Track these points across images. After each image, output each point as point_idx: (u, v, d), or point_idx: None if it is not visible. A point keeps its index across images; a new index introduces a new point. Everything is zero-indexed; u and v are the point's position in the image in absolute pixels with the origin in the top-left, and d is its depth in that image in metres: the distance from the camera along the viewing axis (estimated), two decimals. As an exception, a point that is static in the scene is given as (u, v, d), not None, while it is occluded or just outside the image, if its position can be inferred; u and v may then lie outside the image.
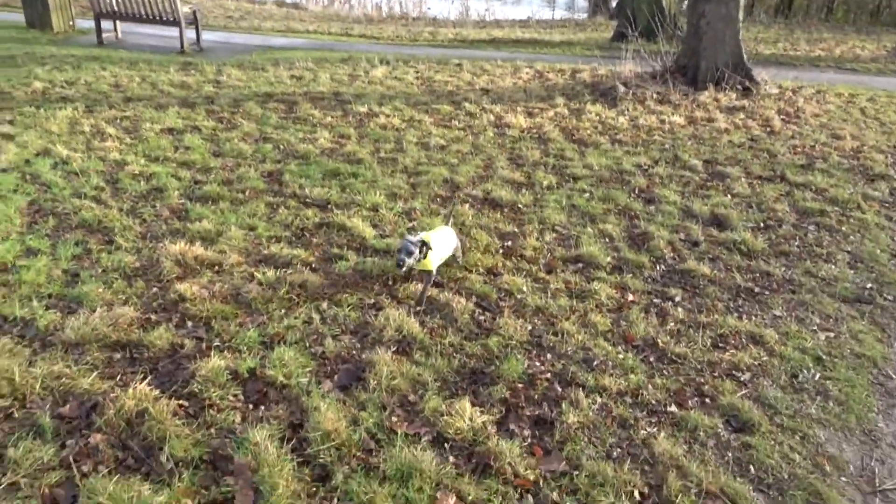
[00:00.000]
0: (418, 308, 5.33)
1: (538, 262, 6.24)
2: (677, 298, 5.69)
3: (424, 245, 5.18)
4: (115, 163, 8.34)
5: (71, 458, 3.55)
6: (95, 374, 4.26)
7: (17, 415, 3.90)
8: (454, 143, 9.90)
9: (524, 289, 5.72)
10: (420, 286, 5.53)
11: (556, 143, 9.97)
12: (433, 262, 5.36)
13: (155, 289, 5.41)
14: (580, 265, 6.23)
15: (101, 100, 11.33)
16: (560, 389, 4.43)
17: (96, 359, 4.43)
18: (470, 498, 3.48)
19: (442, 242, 5.51)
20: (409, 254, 5.07)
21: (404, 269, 5.17)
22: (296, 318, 5.02)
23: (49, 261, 5.74)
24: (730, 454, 3.95)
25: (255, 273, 5.68)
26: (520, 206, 7.57)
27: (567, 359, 4.77)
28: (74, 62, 14.27)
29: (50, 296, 5.21)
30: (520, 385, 4.45)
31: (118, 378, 4.26)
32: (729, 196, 8.03)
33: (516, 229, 6.94)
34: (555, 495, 3.54)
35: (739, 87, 13.64)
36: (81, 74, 13.14)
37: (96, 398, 4.02)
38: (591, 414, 4.19)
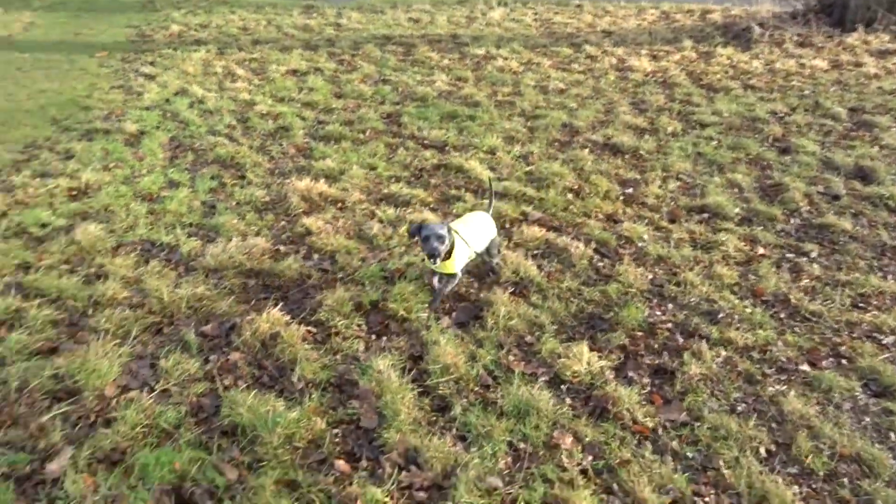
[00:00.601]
0: (431, 309, 4.52)
1: (660, 211, 6.02)
2: (813, 254, 5.35)
3: (449, 230, 4.21)
4: (245, 102, 8.71)
5: (215, 372, 3.85)
6: (233, 297, 4.56)
7: (166, 330, 4.26)
8: (573, 86, 9.62)
9: (645, 237, 5.55)
10: (436, 285, 4.59)
11: (682, 88, 9.47)
12: (458, 261, 4.35)
13: (283, 222, 5.68)
14: (705, 215, 5.96)
15: (231, 42, 11.81)
16: (681, 340, 4.31)
17: (233, 284, 4.74)
18: (587, 439, 3.49)
19: (473, 233, 4.49)
20: (442, 240, 4.11)
21: (439, 260, 4.20)
22: (415, 255, 5.12)
23: (189, 192, 6.13)
24: (868, 419, 3.73)
25: (377, 211, 5.83)
26: (642, 152, 7.30)
27: (689, 310, 4.62)
28: (206, 6, 14.91)
29: (191, 224, 5.59)
30: (639, 333, 4.37)
31: (253, 303, 4.54)
32: (876, 147, 7.37)
33: (638, 176, 6.71)
34: (675, 444, 3.49)
35: (894, 28, 12.34)
36: (213, 18, 13.72)
37: (234, 320, 4.31)
38: (714, 367, 4.06)
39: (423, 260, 3.87)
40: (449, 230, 4.15)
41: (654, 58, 11.05)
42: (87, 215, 5.67)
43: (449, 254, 4.23)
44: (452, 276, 4.46)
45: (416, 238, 4.26)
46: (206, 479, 3.15)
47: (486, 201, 5.04)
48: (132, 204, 5.87)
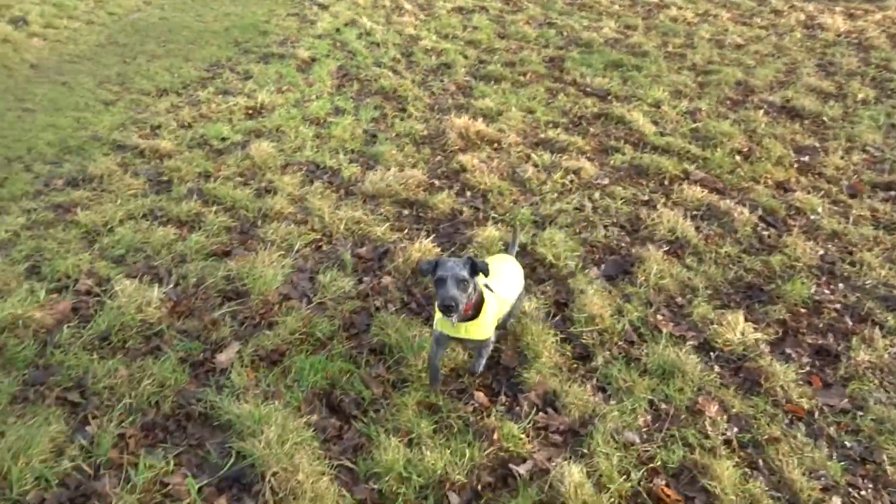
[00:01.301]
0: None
1: (839, 184, 5.51)
2: None
3: (475, 271, 2.98)
4: (410, 37, 8.82)
5: (368, 291, 4.03)
6: (387, 224, 4.72)
7: (325, 248, 4.50)
8: (753, 42, 8.90)
9: (819, 210, 5.12)
10: (436, 365, 3.35)
11: (880, 52, 8.50)
12: (489, 319, 3.12)
13: (440, 157, 5.76)
14: (892, 193, 5.39)
15: (400, -24, 11.91)
16: (850, 323, 3.99)
17: (388, 212, 4.90)
18: (734, 410, 3.34)
19: (504, 282, 3.37)
20: (463, 286, 2.89)
21: (456, 315, 2.96)
22: (567, 202, 5.04)
23: (352, 120, 6.35)
24: None
25: (532, 154, 5.77)
26: (825, 118, 6.67)
27: (863, 292, 4.25)
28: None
29: (353, 151, 5.81)
30: (803, 310, 4.08)
31: (405, 231, 4.68)
32: None
33: (817, 144, 6.16)
34: (831, 430, 3.27)
35: None
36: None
37: (388, 246, 4.47)
38: (885, 356, 3.72)
39: (432, 319, 2.86)
40: (474, 270, 2.95)
41: (851, 16, 9.97)
42: (260, 133, 6.04)
43: (477, 309, 3.08)
44: (483, 343, 3.22)
45: (428, 278, 3.09)
46: (353, 389, 3.34)
47: (511, 242, 3.89)
48: (301, 126, 6.17)
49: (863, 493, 2.95)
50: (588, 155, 5.84)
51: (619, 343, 3.76)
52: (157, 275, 4.10)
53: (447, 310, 2.87)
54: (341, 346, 3.62)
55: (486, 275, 2.98)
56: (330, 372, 3.42)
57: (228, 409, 3.10)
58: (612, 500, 2.81)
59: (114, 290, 3.86)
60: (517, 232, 3.95)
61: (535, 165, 5.60)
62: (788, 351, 3.76)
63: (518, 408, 3.29)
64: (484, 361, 3.36)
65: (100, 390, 3.23)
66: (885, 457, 3.11)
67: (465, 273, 2.88)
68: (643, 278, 4.25)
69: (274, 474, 2.75)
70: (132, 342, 3.56)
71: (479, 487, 2.85)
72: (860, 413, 3.36)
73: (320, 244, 4.53)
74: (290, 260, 4.29)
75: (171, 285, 4.01)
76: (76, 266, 4.11)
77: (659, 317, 3.97)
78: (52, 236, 4.42)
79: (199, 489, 2.73)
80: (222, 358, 3.51)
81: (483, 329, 3.08)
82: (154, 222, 4.63)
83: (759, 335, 3.83)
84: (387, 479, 2.83)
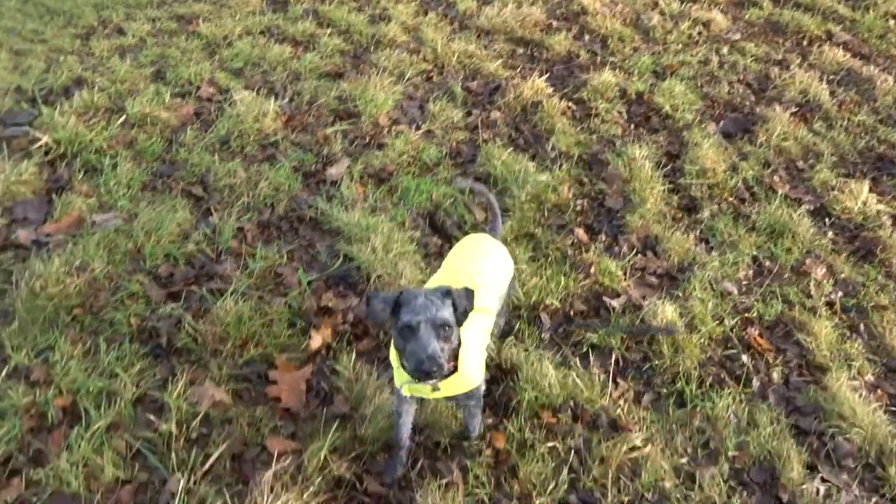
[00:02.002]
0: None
1: None
2: None
3: (455, 301, 1.99)
4: None
5: (478, 123, 4.02)
6: (500, 61, 4.60)
7: (436, 79, 4.46)
8: None
9: (977, 86, 4.62)
10: (404, 438, 2.30)
11: None
12: (474, 358, 2.15)
13: (560, -3, 5.47)
14: None
15: None
16: None
17: (502, 49, 4.76)
18: (842, 275, 3.24)
19: (494, 277, 2.39)
20: (447, 334, 1.96)
21: (438, 377, 2.00)
22: (692, 55, 4.75)
23: (471, -48, 6.05)
24: None
25: (660, 1, 5.38)
26: None
27: None
28: None
29: (469, -17, 5.58)
30: (937, 186, 3.81)
31: (518, 69, 4.56)
32: None
33: None
34: (948, 308, 3.13)
35: None
36: None
37: (499, 81, 4.38)
38: None
39: (397, 380, 2.14)
40: (452, 300, 1.98)
41: None
42: (375, -40, 5.87)
43: (456, 354, 2.08)
44: (472, 394, 2.20)
45: (389, 325, 2.08)
46: (456, 213, 3.42)
47: (492, 220, 2.73)
48: (417, -44, 5.94)
49: (968, 367, 2.86)
50: (721, 7, 5.40)
51: (729, 199, 3.64)
52: (273, 89, 4.20)
53: (426, 375, 1.91)
54: (447, 172, 3.67)
55: (468, 314, 2.01)
56: (435, 195, 3.50)
57: (338, 216, 3.25)
58: (703, 341, 2.84)
59: (233, 99, 4.00)
60: (494, 206, 2.70)
61: (662, 13, 5.24)
62: (913, 225, 3.56)
63: (617, 248, 3.29)
64: (480, 419, 2.38)
65: (220, 188, 3.43)
66: None
67: (446, 313, 1.93)
68: (764, 138, 4.04)
69: (378, 277, 2.92)
70: (249, 148, 3.73)
71: (571, 313, 2.93)
72: (984, 295, 3.19)
73: (431, 75, 4.49)
74: (400, 87, 4.29)
75: (286, 100, 4.12)
76: (198, 74, 4.25)
77: (775, 178, 3.80)
78: (175, 45, 4.56)
79: (309, 282, 2.93)
80: (333, 171, 3.64)
81: (469, 379, 2.12)
82: (270, 39, 4.69)
83: (882, 206, 3.63)
84: (484, 294, 2.94)
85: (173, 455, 2.25)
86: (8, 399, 2.32)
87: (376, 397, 2.45)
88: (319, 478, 2.24)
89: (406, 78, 4.38)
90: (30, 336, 2.56)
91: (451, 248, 2.66)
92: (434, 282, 2.35)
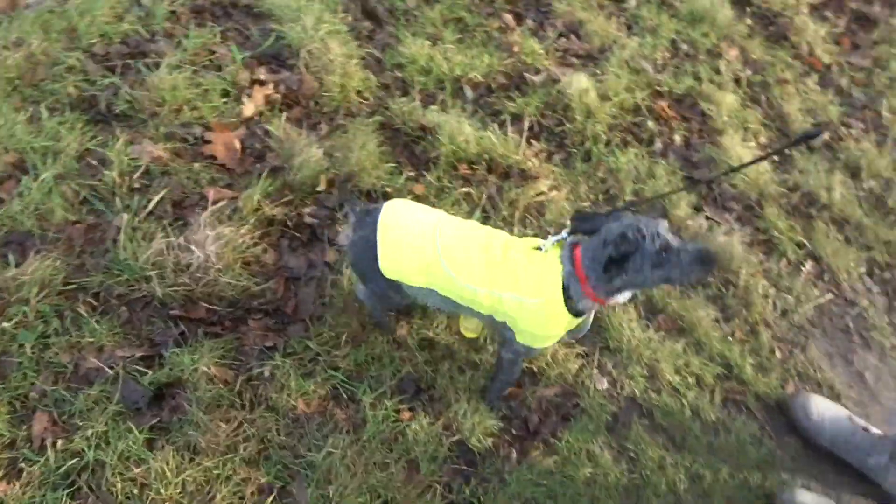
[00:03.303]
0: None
1: None
2: None
3: None
4: None
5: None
6: None
7: None
8: None
9: None
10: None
11: None
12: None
13: None
14: None
15: None
16: (903, -5, 3.86)
17: None
18: (753, 57, 3.43)
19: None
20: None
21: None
22: None
23: None
24: None
25: None
26: None
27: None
28: None
29: None
30: (857, -22, 3.93)
31: None
32: None
33: None
34: (843, 82, 3.37)
35: None
36: None
37: None
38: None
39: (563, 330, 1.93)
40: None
41: None
42: None
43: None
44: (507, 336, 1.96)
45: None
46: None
47: None
48: None
49: (853, 131, 3.14)
50: None
51: (656, -8, 3.74)
52: None
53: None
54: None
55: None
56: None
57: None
58: (613, 109, 3.06)
59: None
60: None
61: None
62: (828, 14, 3.72)
63: (542, 32, 3.42)
64: (497, 387, 2.18)
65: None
66: (885, 103, 3.24)
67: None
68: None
69: (308, 52, 3.04)
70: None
71: (493, 87, 3.11)
72: (878, 70, 3.42)
73: None
74: None
75: None
76: None
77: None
78: None
79: (242, 58, 3.04)
80: (266, -38, 3.63)
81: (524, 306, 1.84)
82: None
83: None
84: (409, 69, 3.10)
85: (118, 200, 2.47)
86: (-45, 152, 2.48)
87: (304, 153, 2.66)
88: (253, 218, 2.50)
89: None
90: (-30, 102, 2.68)
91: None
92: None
